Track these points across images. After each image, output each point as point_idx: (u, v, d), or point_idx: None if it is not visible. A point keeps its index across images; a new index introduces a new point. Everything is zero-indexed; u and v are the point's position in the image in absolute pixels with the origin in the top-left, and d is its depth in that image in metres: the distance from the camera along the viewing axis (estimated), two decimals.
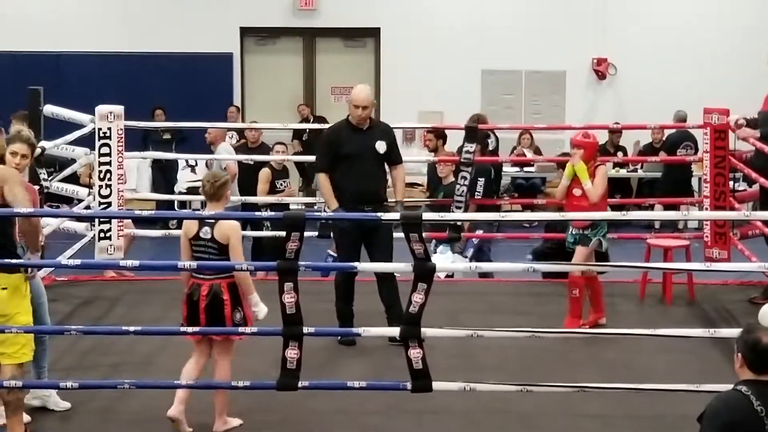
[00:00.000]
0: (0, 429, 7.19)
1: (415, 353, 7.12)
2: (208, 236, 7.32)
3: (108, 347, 8.89)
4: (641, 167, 16.83)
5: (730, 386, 4.87)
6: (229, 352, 7.49)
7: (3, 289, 6.87)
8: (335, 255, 10.18)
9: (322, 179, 9.29)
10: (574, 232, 9.45)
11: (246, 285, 7.36)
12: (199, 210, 15.02)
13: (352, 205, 9.01)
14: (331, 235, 9.74)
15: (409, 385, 7.19)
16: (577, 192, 9.41)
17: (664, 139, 16.44)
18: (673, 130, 15.73)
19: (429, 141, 13.27)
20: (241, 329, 7.30)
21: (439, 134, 12.95)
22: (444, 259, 11.12)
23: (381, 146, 9.28)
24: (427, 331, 7.20)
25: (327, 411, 7.73)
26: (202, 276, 7.32)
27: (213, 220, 7.34)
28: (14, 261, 6.88)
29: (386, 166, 9.49)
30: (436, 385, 7.20)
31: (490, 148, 12.67)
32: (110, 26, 18.72)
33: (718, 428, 4.72)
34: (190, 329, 7.34)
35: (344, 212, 9.05)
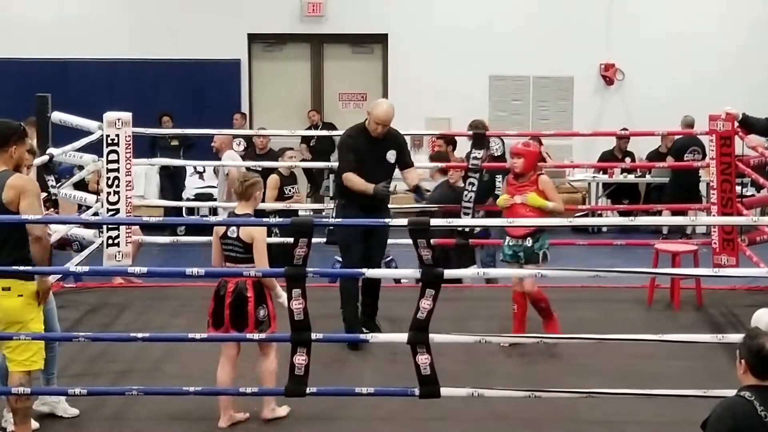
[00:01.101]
0: None
1: (423, 359, 7.14)
2: (234, 235, 7.58)
3: (116, 354, 8.90)
4: (649, 173, 16.82)
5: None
6: (270, 345, 7.65)
7: (19, 296, 6.91)
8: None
9: (350, 176, 9.40)
10: (512, 244, 9.18)
11: (268, 281, 7.53)
12: (207, 216, 15.09)
13: (361, 208, 9.23)
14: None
15: (417, 391, 7.20)
16: (517, 199, 9.23)
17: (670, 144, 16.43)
18: (680, 136, 15.69)
19: (438, 147, 13.29)
20: (249, 335, 7.32)
21: (448, 140, 12.98)
22: None
23: (392, 156, 9.54)
24: (435, 337, 7.22)
25: (335, 417, 7.73)
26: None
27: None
28: (29, 268, 6.90)
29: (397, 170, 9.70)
30: (444, 391, 7.22)
31: (497, 153, 12.67)
32: (118, 33, 18.73)
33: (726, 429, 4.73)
34: (198, 335, 7.36)
35: (352, 215, 9.20)
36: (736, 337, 7.26)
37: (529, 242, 9.11)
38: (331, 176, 17.62)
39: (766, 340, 4.88)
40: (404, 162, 9.68)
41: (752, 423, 4.73)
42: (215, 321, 7.50)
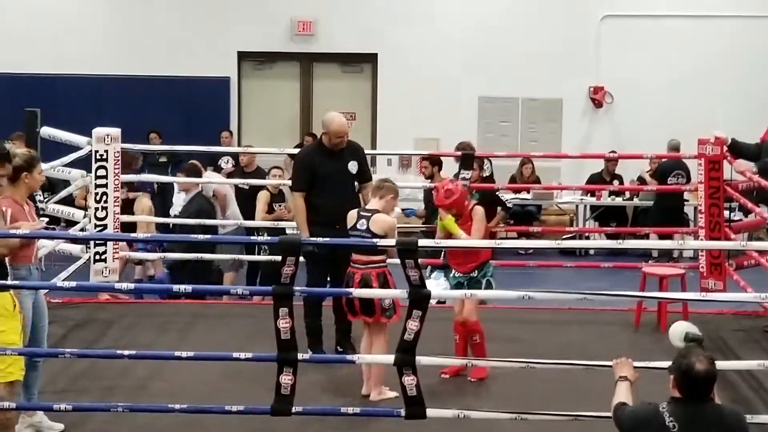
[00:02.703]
0: None
1: (409, 380, 7.13)
2: (364, 227, 8.39)
3: (102, 370, 8.87)
4: (637, 196, 16.85)
5: None
6: (382, 332, 8.34)
7: None
8: None
9: (298, 201, 9.52)
10: (457, 276, 9.01)
11: None
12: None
13: (327, 224, 9.19)
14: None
15: (403, 412, 7.19)
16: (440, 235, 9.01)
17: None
18: (664, 159, 15.68)
19: (425, 168, 13.32)
20: (235, 354, 7.28)
21: (435, 161, 13.01)
22: (437, 285, 11.15)
23: (353, 167, 9.61)
24: (421, 360, 7.21)
25: None
26: (356, 265, 8.39)
27: (369, 214, 8.43)
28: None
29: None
30: (430, 412, 7.20)
31: (486, 174, 12.70)
32: (108, 48, 18.74)
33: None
34: (183, 354, 7.34)
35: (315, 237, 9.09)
36: (724, 364, 7.29)
37: (475, 273, 9.01)
38: None
39: (696, 360, 5.06)
40: (363, 175, 9.68)
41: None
42: (350, 309, 8.05)
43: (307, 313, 9.46)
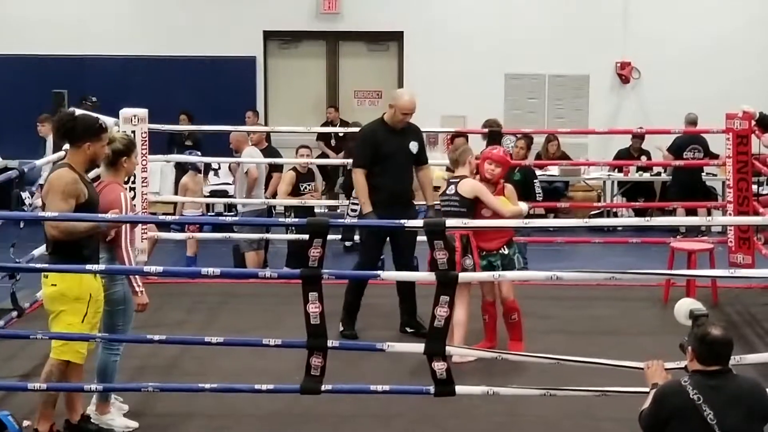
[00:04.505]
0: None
1: (439, 366, 7.07)
2: (452, 191, 8.89)
3: (132, 349, 8.85)
4: (665, 171, 16.78)
5: None
6: (462, 295, 8.64)
7: (52, 285, 7.01)
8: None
9: (359, 177, 9.47)
10: (491, 259, 8.97)
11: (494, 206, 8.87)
12: (222, 213, 15.11)
13: (387, 203, 9.25)
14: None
15: (432, 390, 7.19)
16: (486, 213, 9.02)
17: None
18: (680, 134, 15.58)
19: (452, 145, 13.29)
20: (265, 341, 7.24)
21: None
22: None
23: (414, 146, 9.62)
24: (451, 350, 7.25)
25: (351, 415, 7.74)
26: None
27: (457, 180, 8.92)
28: (45, 266, 7.03)
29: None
30: (459, 389, 7.19)
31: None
32: (134, 30, 18.77)
33: (661, 412, 5.16)
34: (213, 339, 7.35)
35: (376, 215, 9.24)
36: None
37: (504, 250, 9.04)
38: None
39: (713, 328, 5.19)
40: (421, 157, 9.68)
41: (685, 406, 5.07)
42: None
43: (349, 290, 9.52)
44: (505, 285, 9.10)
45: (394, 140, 9.47)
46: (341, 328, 9.43)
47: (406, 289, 9.57)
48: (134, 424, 7.54)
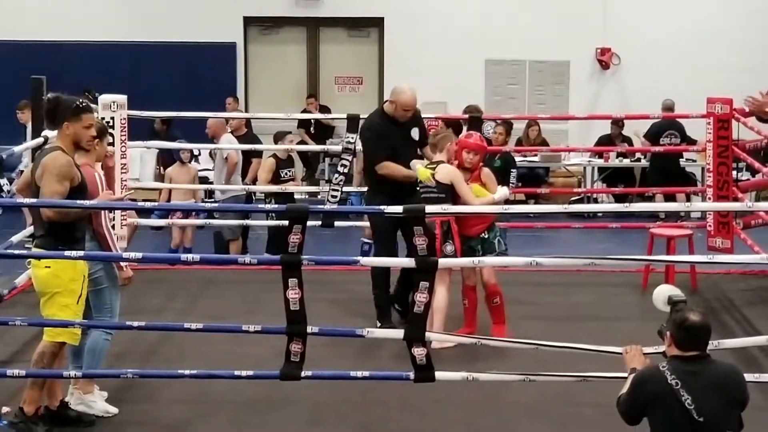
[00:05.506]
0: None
1: (419, 351, 7.09)
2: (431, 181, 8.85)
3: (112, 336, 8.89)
4: (645, 157, 16.81)
5: None
6: (442, 279, 8.66)
7: (46, 267, 6.98)
8: (370, 242, 10.48)
9: (390, 166, 9.40)
10: (472, 244, 9.03)
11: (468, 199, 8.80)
12: (203, 200, 15.08)
13: (393, 192, 9.16)
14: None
15: (412, 375, 7.19)
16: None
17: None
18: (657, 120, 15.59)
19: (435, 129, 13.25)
20: (245, 327, 7.24)
21: (448, 125, 12.95)
22: None
23: (415, 133, 9.64)
24: (430, 336, 7.24)
25: (330, 401, 7.74)
26: None
27: (435, 166, 8.89)
28: (40, 252, 7.02)
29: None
30: (439, 375, 7.21)
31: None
32: (113, 16, 18.72)
33: (639, 397, 5.19)
34: (193, 326, 7.34)
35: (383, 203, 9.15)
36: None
37: (485, 235, 9.06)
38: (327, 160, 17.64)
39: (690, 313, 5.21)
40: (423, 140, 9.70)
41: (663, 391, 5.08)
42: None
43: (375, 285, 9.47)
44: (486, 269, 9.10)
45: (397, 131, 9.49)
46: (378, 325, 9.34)
47: (407, 280, 9.25)
48: (114, 409, 7.51)
